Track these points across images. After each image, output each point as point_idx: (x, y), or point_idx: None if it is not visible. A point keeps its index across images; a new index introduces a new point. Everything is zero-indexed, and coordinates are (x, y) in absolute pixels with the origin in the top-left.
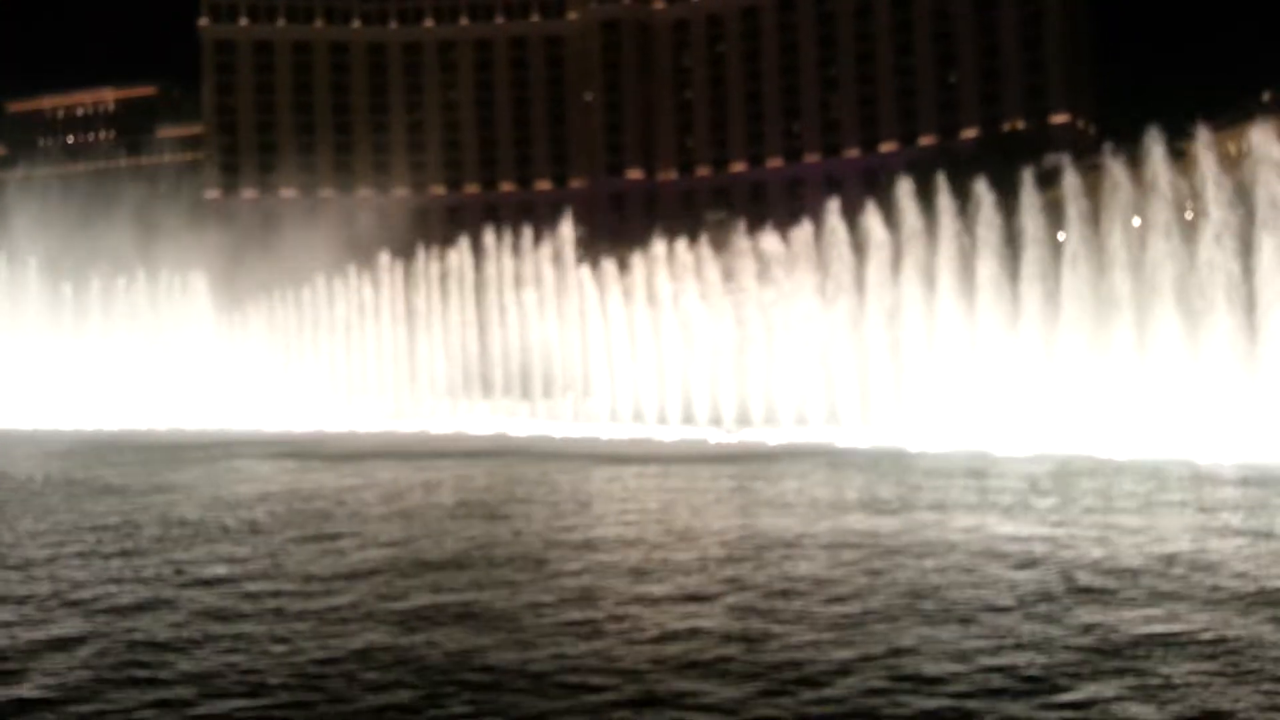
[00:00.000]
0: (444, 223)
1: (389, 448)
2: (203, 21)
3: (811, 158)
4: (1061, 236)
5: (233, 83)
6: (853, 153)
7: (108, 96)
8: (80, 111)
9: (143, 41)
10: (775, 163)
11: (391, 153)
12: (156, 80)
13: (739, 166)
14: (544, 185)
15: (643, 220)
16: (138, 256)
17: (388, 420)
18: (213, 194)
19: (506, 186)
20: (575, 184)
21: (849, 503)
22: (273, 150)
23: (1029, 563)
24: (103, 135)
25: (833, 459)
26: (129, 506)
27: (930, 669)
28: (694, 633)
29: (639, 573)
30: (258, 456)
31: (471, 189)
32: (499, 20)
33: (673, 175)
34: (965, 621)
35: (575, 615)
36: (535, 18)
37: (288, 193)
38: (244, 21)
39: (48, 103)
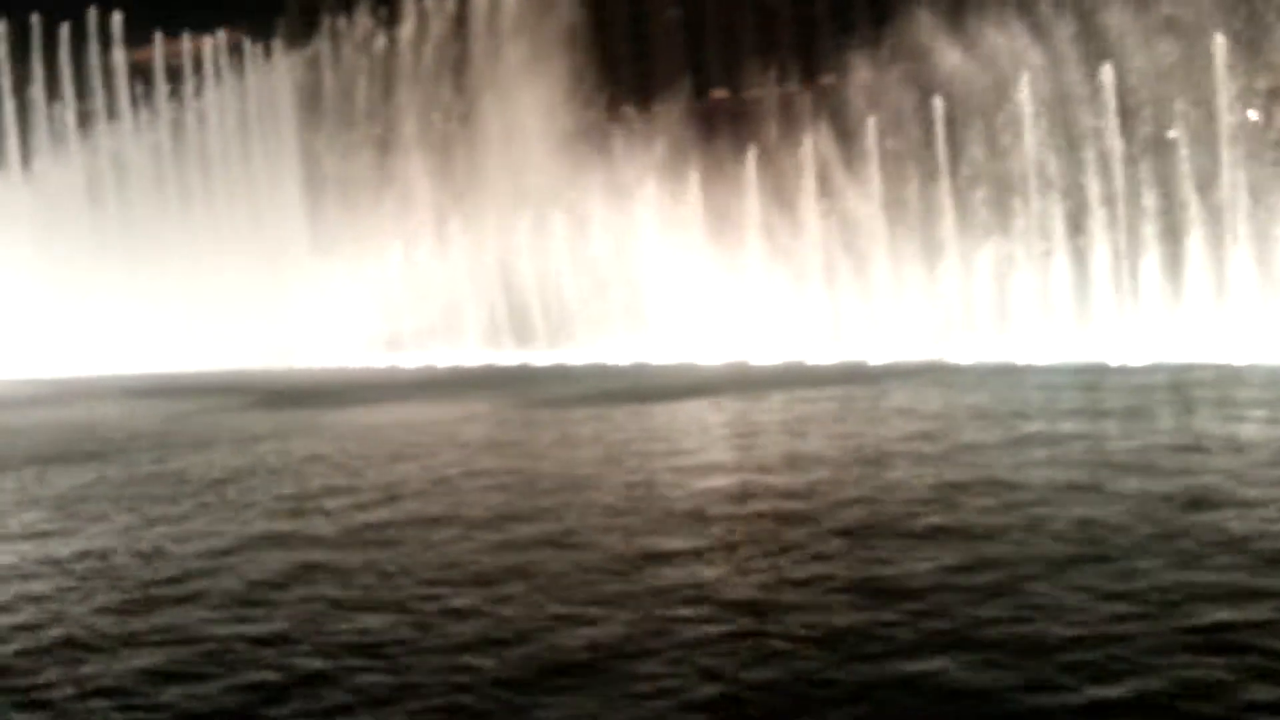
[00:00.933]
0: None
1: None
2: None
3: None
4: None
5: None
6: None
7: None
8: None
9: None
10: (863, 76)
11: None
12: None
13: (828, 79)
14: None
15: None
16: None
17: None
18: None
19: (592, 114)
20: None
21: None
22: None
23: None
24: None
25: (952, 376)
26: None
27: None
28: None
29: None
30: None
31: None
32: None
33: (761, 92)
34: None
35: None
36: None
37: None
38: None
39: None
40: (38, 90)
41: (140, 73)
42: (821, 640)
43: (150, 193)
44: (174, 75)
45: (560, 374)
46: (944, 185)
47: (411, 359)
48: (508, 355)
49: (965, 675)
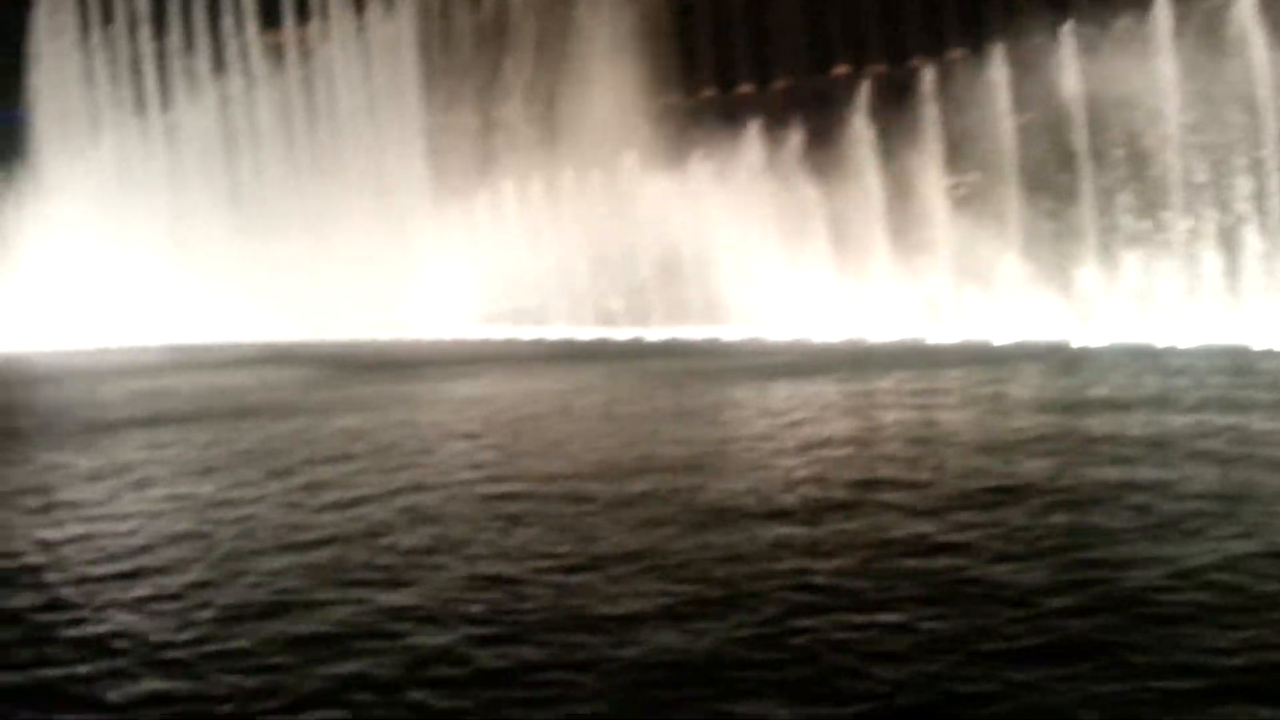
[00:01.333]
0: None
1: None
2: None
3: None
4: None
5: None
6: None
7: None
8: None
9: None
10: (995, 50)
11: None
12: None
13: (955, 53)
14: (746, 89)
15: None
16: None
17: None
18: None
19: (708, 92)
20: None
21: None
22: None
23: None
24: None
25: (1085, 358)
26: None
27: None
28: None
29: None
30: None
31: (673, 99)
32: None
33: (882, 68)
34: None
35: None
36: None
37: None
38: None
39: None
40: (173, 41)
41: (270, 21)
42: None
43: (273, 155)
44: (301, 25)
45: (680, 349)
46: (1083, 163)
47: (517, 332)
48: (590, 331)
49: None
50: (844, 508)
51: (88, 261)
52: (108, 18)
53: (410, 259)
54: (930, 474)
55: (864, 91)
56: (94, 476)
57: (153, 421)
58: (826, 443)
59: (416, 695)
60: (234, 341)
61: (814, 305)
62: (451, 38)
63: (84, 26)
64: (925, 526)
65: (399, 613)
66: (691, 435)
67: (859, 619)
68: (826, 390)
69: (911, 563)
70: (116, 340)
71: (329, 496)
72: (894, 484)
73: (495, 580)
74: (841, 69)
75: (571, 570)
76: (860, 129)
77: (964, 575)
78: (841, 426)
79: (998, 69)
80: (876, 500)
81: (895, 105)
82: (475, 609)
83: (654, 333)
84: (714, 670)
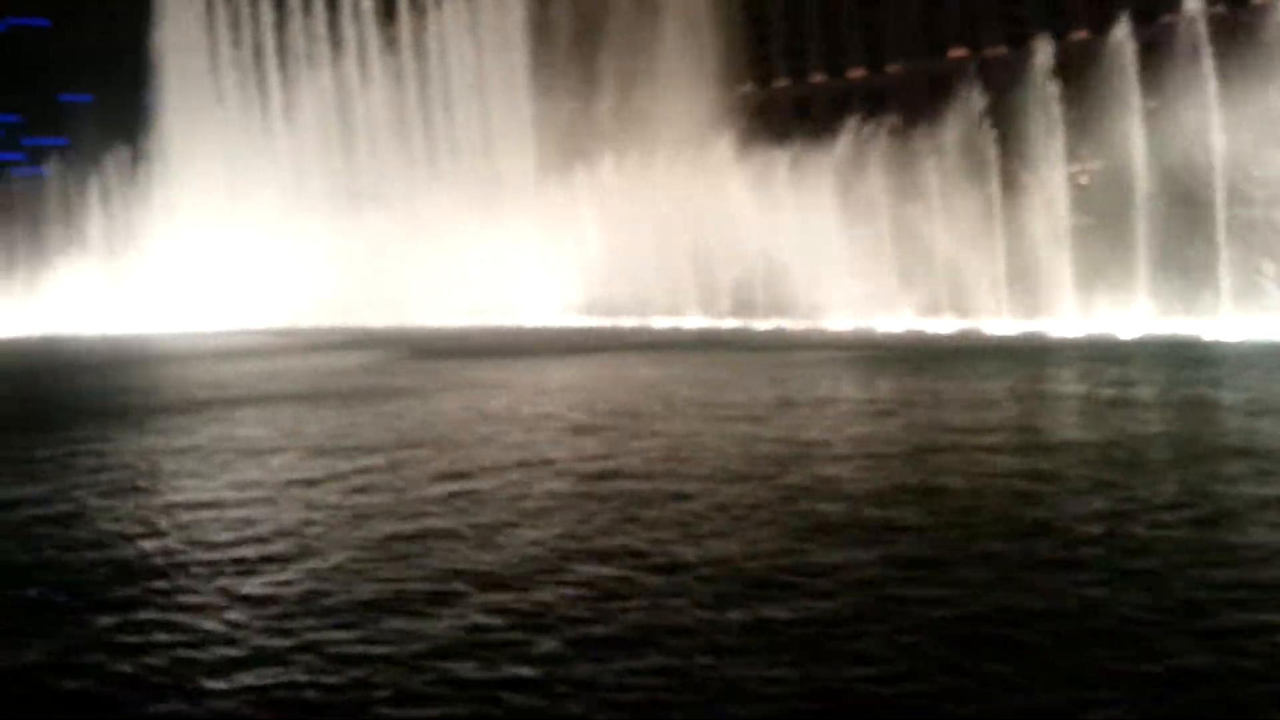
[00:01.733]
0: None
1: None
2: None
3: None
4: None
5: None
6: None
7: None
8: None
9: None
10: (1120, 32)
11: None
12: None
13: (1080, 34)
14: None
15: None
16: None
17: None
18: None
19: (817, 78)
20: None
21: None
22: None
23: None
24: None
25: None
26: None
27: None
28: None
29: None
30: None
31: (780, 82)
32: None
33: (1000, 50)
34: None
35: None
36: None
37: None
38: None
39: None
40: (292, 33)
41: (387, 13)
42: None
43: (384, 146)
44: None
45: (767, 339)
46: (1214, 147)
47: (616, 320)
48: (685, 321)
49: None
50: None
51: (208, 248)
52: (231, 11)
53: (514, 247)
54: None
55: (980, 75)
56: (213, 451)
57: (266, 400)
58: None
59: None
60: (342, 326)
61: (928, 295)
62: (556, 28)
63: (208, 21)
64: None
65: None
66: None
67: None
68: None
69: None
70: (234, 323)
71: (439, 474)
72: None
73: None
74: (958, 52)
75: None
76: (976, 114)
77: None
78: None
79: (1123, 51)
80: None
81: (1013, 89)
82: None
83: (728, 323)
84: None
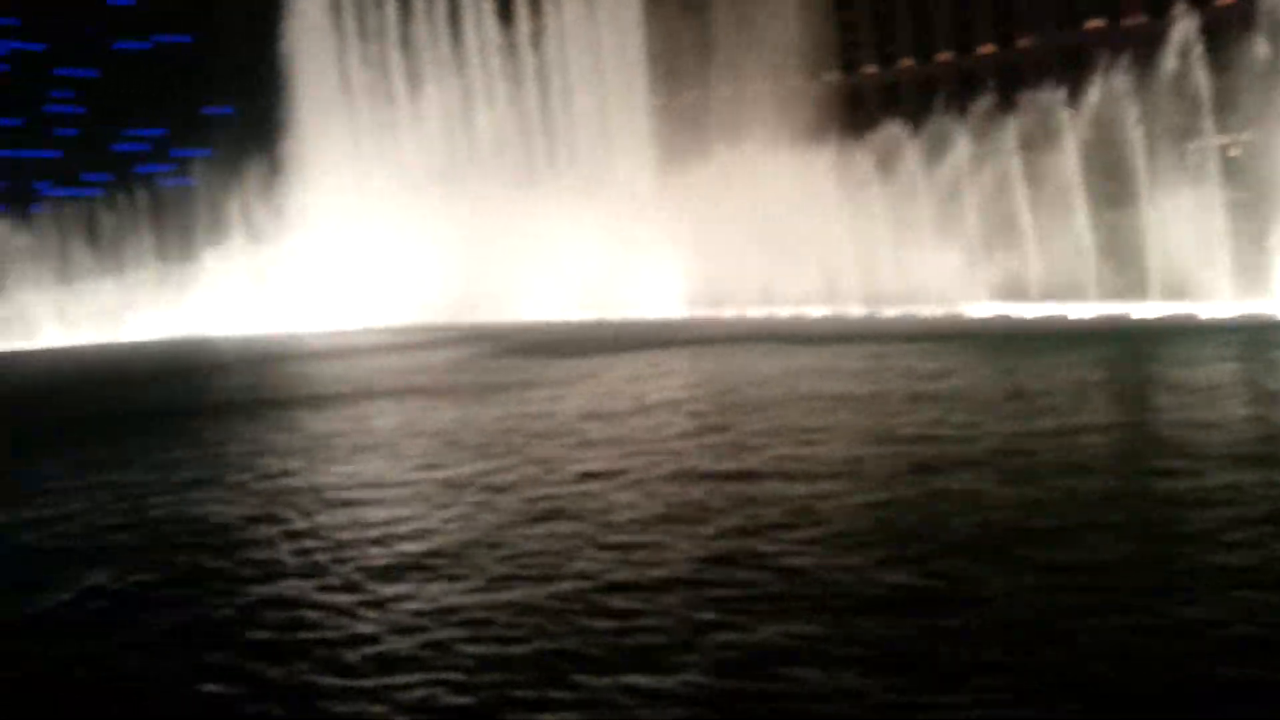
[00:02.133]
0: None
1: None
2: None
3: None
4: None
5: None
6: None
7: None
8: None
9: None
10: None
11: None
12: None
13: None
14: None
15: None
16: None
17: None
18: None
19: (943, 57)
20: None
21: None
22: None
23: None
24: None
25: None
26: None
27: None
28: None
29: None
30: None
31: (907, 62)
32: None
33: (1140, 20)
34: None
35: None
36: None
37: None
38: None
39: None
40: (418, 36)
41: (505, 16)
42: None
43: (505, 146)
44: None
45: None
46: None
47: (735, 312)
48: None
49: None
50: None
51: (339, 250)
52: (357, 19)
53: (630, 240)
54: None
55: (1120, 46)
56: (360, 447)
57: (403, 394)
58: None
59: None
60: (466, 322)
61: (1067, 277)
62: (671, 22)
63: (336, 32)
64: None
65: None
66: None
67: None
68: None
69: None
70: (365, 321)
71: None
72: None
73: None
74: (1094, 23)
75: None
76: (1117, 86)
77: None
78: None
79: (1275, 13)
80: None
81: (1156, 60)
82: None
83: (854, 311)
84: None
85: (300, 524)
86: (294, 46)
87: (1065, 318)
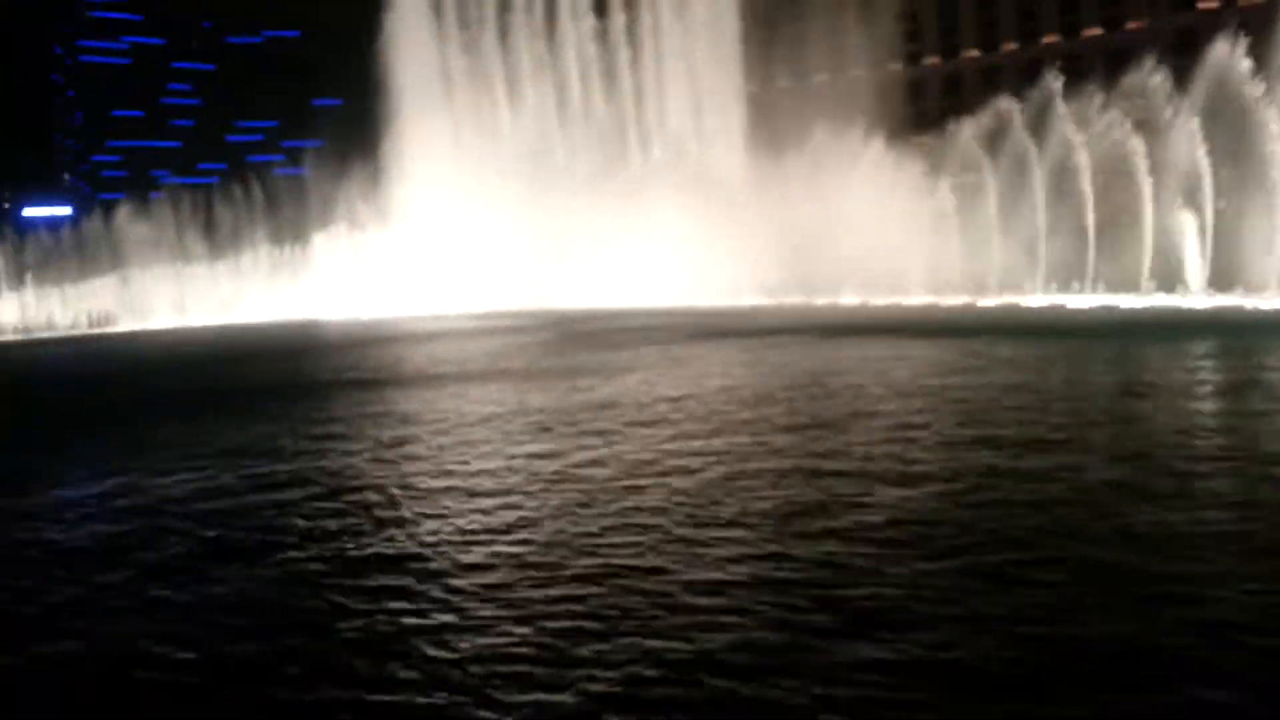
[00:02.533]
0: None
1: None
2: None
3: None
4: None
5: None
6: None
7: None
8: None
9: None
10: None
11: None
12: None
13: None
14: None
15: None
16: None
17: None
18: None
19: (1009, 45)
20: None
21: None
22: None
23: None
24: None
25: None
26: None
27: None
28: None
29: None
30: None
31: (971, 53)
32: None
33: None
34: None
35: None
36: None
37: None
38: None
39: None
40: (515, 26)
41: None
42: None
43: (599, 134)
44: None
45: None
46: None
47: (822, 300)
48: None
49: None
50: None
51: (439, 239)
52: (457, 11)
53: (720, 229)
54: None
55: (1239, 26)
56: (456, 424)
57: (496, 376)
58: None
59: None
60: (559, 308)
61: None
62: (764, 11)
63: (436, 25)
64: None
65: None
66: None
67: None
68: None
69: None
70: (466, 306)
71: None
72: None
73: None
74: (1208, 3)
75: None
76: (1234, 67)
77: None
78: None
79: None
80: None
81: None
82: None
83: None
84: None
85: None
86: (394, 41)
87: (1176, 308)
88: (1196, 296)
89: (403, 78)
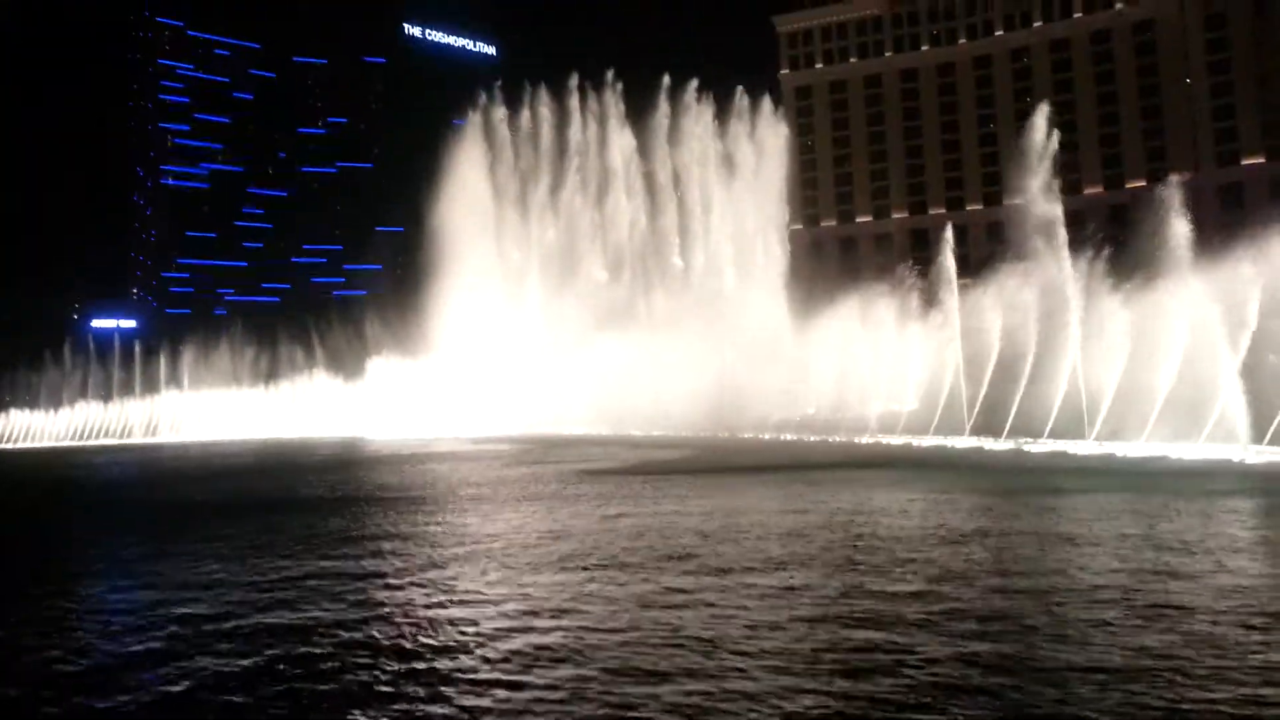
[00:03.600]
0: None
1: None
2: (784, 72)
3: None
4: None
5: (810, 123)
6: None
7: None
8: None
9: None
10: None
11: (963, 170)
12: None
13: None
14: (1137, 183)
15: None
16: None
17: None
18: (796, 226)
19: (1092, 189)
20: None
21: None
22: (848, 182)
23: None
24: None
25: None
26: None
27: None
28: None
29: None
30: None
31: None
32: (1077, 15)
33: None
34: None
35: None
36: (1119, 4)
37: (864, 219)
38: (819, 65)
39: None
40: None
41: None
42: None
43: (635, 269)
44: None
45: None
46: None
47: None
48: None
49: None
50: None
51: (481, 362)
52: (514, 149)
53: (760, 365)
54: None
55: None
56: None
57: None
58: None
59: None
60: (607, 434)
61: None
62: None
63: (487, 163)
64: None
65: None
66: None
67: None
68: None
69: None
70: (502, 429)
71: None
72: None
73: None
74: (1255, 159)
75: None
76: None
77: None
78: None
79: None
80: None
81: None
82: None
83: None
84: None
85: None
86: (450, 181)
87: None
88: None
89: (455, 210)
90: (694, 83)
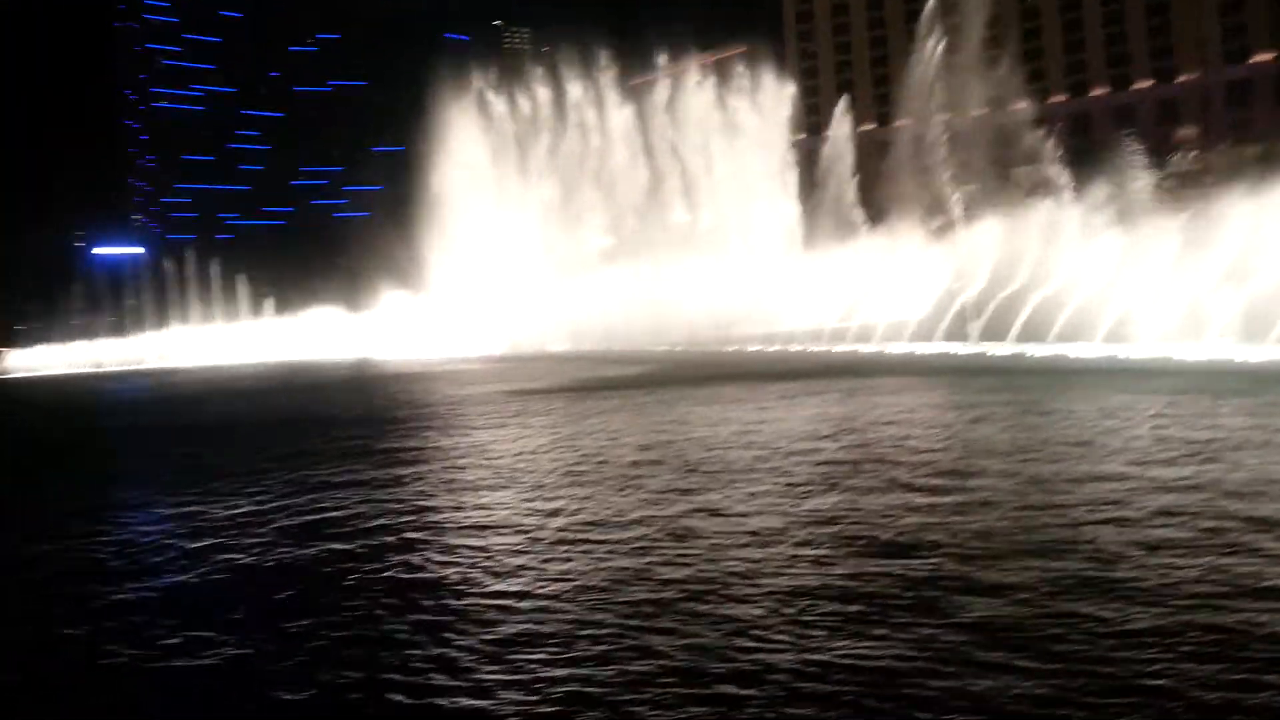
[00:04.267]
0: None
1: None
2: None
3: None
4: None
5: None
6: None
7: (708, 60)
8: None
9: (729, 13)
10: None
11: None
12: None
13: None
14: (1144, 84)
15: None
16: None
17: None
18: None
19: (1099, 90)
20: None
21: None
22: (850, 89)
23: None
24: None
25: None
26: None
27: None
28: None
29: None
30: None
31: (1059, 98)
32: None
33: None
34: None
35: None
36: None
37: (867, 126)
38: None
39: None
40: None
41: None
42: None
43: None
44: None
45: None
46: None
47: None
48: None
49: None
50: None
51: (476, 283)
52: (500, 73)
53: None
54: None
55: None
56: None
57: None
58: None
59: None
60: (615, 349)
61: None
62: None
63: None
64: None
65: None
66: None
67: None
68: None
69: None
70: (500, 346)
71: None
72: None
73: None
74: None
75: None
76: None
77: None
78: None
79: None
80: None
81: None
82: None
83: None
84: None
85: None
86: (446, 95)
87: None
88: None
89: (451, 131)
90: None
